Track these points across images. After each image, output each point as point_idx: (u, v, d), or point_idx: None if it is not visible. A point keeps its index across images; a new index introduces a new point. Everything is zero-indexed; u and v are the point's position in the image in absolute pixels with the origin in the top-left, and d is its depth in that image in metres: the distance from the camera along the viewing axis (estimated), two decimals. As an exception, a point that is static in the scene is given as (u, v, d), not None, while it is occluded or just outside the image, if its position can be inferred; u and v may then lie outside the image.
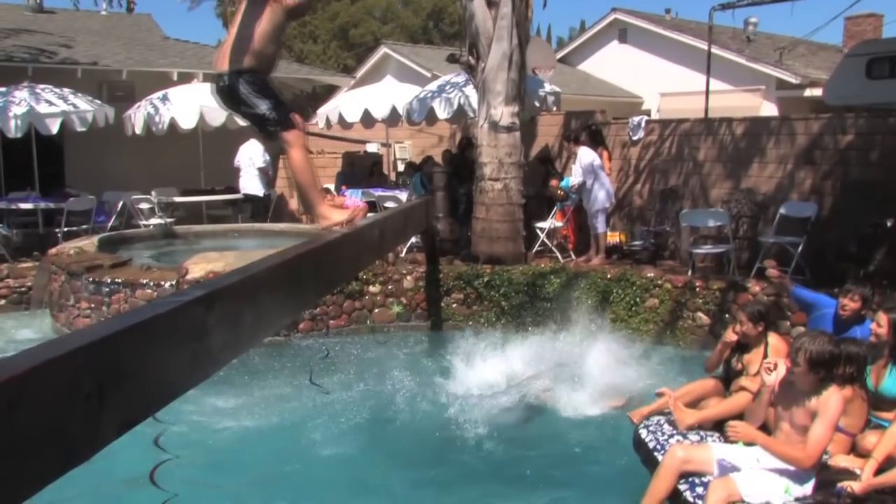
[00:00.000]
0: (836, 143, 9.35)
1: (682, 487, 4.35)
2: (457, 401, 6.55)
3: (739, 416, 4.82)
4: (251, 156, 12.78)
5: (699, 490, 4.26)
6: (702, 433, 4.96)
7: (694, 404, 5.26)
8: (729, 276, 8.89)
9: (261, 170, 12.73)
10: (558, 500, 5.06)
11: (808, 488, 4.09)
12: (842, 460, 4.50)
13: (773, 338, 5.32)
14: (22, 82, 12.26)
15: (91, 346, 2.13)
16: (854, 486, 4.03)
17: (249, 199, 13.11)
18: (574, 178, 10.17)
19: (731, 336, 5.32)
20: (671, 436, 4.95)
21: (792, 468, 4.07)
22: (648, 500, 4.44)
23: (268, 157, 12.91)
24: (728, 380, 5.43)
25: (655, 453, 4.78)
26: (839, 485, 4.14)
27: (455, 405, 6.46)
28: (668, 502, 4.40)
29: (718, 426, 4.88)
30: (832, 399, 4.01)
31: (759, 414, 4.40)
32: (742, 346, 5.38)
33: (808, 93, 18.53)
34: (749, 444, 4.30)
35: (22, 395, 1.84)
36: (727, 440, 4.49)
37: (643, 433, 5.08)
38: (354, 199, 12.35)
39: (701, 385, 5.49)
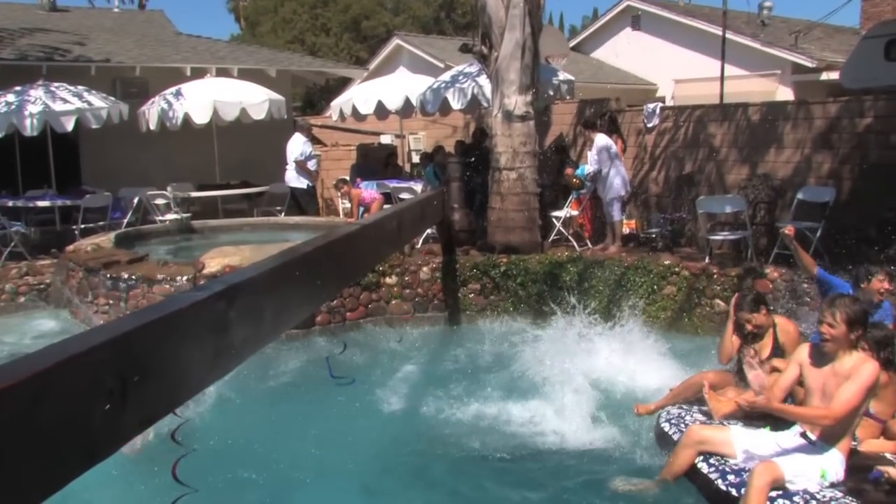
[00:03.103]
0: (854, 127, 9.24)
1: (712, 476, 4.30)
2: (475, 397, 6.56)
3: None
4: (292, 149, 12.83)
5: (731, 478, 4.23)
6: (725, 422, 4.93)
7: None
8: (746, 262, 8.82)
9: (299, 164, 12.76)
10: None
11: (840, 473, 4.07)
12: (872, 445, 4.47)
13: (779, 319, 5.29)
14: (37, 81, 12.30)
15: (113, 342, 2.13)
16: (892, 472, 3.99)
17: (293, 191, 13.09)
18: (589, 165, 10.13)
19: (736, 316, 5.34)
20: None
21: (822, 453, 4.04)
22: (667, 473, 4.53)
23: (308, 151, 12.94)
24: (740, 370, 5.38)
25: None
26: (876, 469, 4.10)
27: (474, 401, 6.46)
28: (695, 488, 4.39)
29: (747, 416, 4.87)
30: (867, 365, 4.02)
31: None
32: (752, 336, 5.35)
33: (824, 76, 18.32)
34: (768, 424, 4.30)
35: (45, 391, 1.84)
36: (747, 419, 4.48)
37: (665, 426, 5.05)
38: (370, 190, 12.41)
39: (714, 375, 5.46)
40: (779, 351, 5.19)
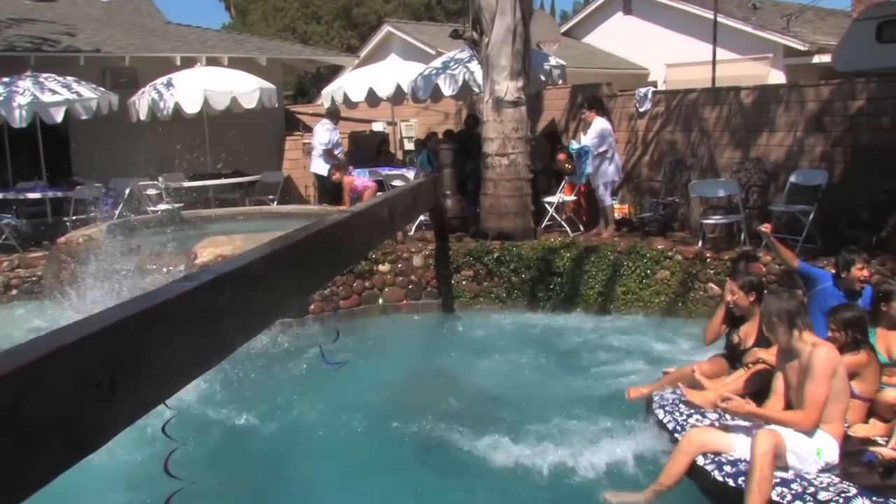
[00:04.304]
0: (846, 109, 9.24)
1: (709, 468, 4.27)
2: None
3: (763, 390, 4.81)
4: (319, 137, 12.77)
5: (727, 469, 4.20)
6: (719, 410, 4.93)
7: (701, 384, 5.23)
8: (740, 246, 8.82)
9: (326, 151, 12.72)
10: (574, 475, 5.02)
11: (834, 455, 4.07)
12: (861, 430, 4.48)
13: None
14: (25, 72, 12.21)
15: (100, 334, 2.11)
16: (885, 453, 4.00)
17: (319, 179, 13.01)
18: (594, 146, 9.98)
19: (728, 295, 5.33)
20: (689, 415, 4.92)
21: (815, 435, 4.05)
22: (664, 479, 4.42)
23: (336, 138, 12.89)
24: (731, 356, 5.38)
25: (676, 434, 4.73)
26: (868, 451, 4.11)
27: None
28: (694, 484, 4.36)
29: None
30: (817, 352, 4.04)
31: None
32: (738, 319, 5.35)
33: (816, 60, 18.31)
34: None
35: (31, 384, 1.82)
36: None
37: (660, 414, 5.01)
38: (363, 178, 12.37)
39: (708, 364, 5.45)
40: (764, 340, 5.18)
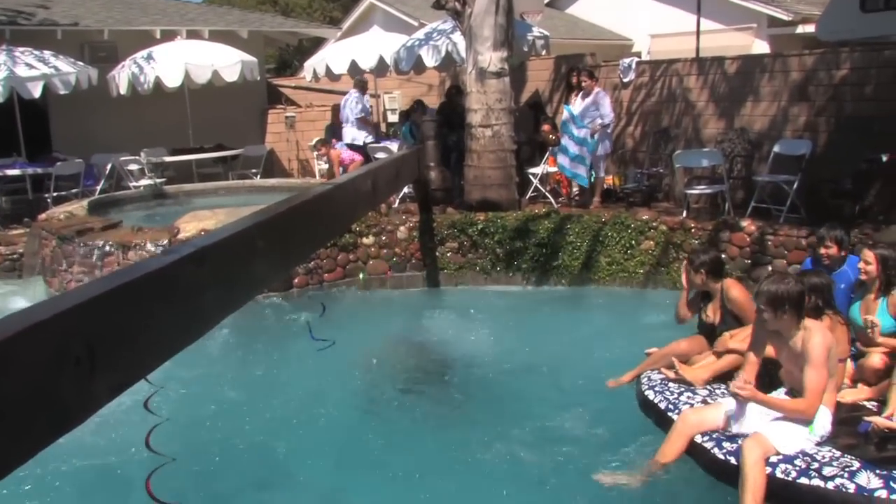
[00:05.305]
0: (830, 79, 9.22)
1: (707, 445, 4.24)
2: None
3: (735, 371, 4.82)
4: (351, 107, 12.85)
5: (727, 446, 4.17)
6: (709, 387, 4.94)
7: (684, 362, 5.22)
8: (723, 215, 8.84)
9: (359, 119, 12.64)
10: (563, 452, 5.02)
11: (827, 426, 4.06)
12: (849, 395, 4.52)
13: (727, 283, 5.26)
14: (0, 45, 12.02)
15: (79, 308, 2.08)
16: (879, 422, 4.00)
17: (352, 148, 13.00)
18: (607, 116, 10.03)
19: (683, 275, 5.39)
20: (681, 393, 4.89)
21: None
22: (660, 458, 4.40)
23: (365, 106, 12.91)
24: (706, 333, 5.39)
25: (669, 413, 4.69)
26: (863, 420, 4.11)
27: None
28: (693, 459, 4.35)
29: (725, 377, 4.89)
30: (814, 339, 3.98)
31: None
32: (705, 296, 5.38)
33: (800, 30, 18.25)
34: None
35: (8, 360, 1.79)
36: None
37: (650, 394, 4.98)
38: (350, 151, 12.30)
39: (687, 342, 5.44)
40: (729, 317, 5.19)
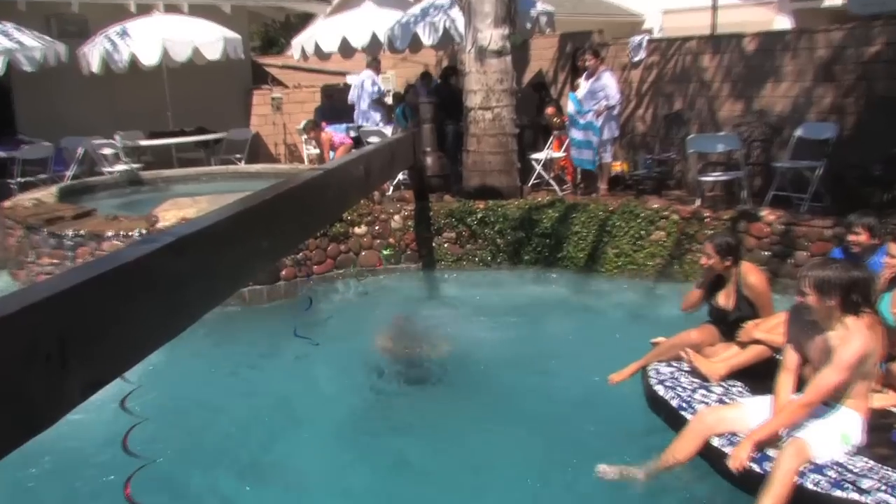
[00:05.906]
0: (859, 56, 9.10)
1: (726, 449, 4.14)
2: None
3: (765, 362, 4.81)
4: (367, 89, 12.94)
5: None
6: (724, 384, 4.90)
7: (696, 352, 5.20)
8: (740, 204, 8.82)
9: (374, 101, 12.66)
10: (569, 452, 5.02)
11: (860, 435, 3.99)
12: (877, 400, 4.49)
13: (744, 268, 5.22)
14: (-44, 18, 11.94)
15: (49, 301, 2.06)
16: None
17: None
18: (613, 98, 9.94)
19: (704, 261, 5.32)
20: (694, 390, 4.85)
21: (836, 413, 3.97)
22: (670, 458, 4.35)
23: (379, 87, 12.99)
24: (718, 322, 5.36)
25: (682, 412, 4.63)
26: (895, 429, 4.09)
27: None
28: (706, 462, 4.32)
29: (742, 375, 4.88)
30: (853, 343, 3.85)
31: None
32: (717, 284, 5.34)
33: (826, 3, 18.18)
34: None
35: (-30, 357, 1.77)
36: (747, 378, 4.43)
37: (660, 390, 4.92)
38: (341, 134, 12.27)
39: (698, 332, 5.41)
40: (744, 303, 5.17)
